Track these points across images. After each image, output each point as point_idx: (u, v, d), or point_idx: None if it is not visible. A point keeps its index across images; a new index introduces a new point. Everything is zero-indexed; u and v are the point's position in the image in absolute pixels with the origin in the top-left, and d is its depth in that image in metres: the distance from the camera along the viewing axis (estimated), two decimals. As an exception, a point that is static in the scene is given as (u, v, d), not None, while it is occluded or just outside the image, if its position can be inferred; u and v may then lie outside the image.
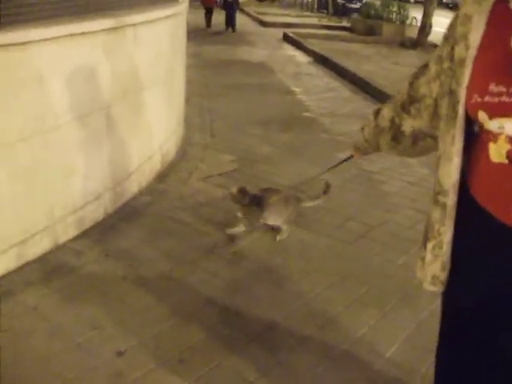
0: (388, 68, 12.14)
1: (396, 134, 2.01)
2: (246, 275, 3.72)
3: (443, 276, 1.73)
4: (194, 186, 5.12)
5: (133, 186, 4.74)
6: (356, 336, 3.14)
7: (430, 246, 1.75)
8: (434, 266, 1.74)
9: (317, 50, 14.09)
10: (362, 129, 2.25)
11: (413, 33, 17.48)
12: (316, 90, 10.12)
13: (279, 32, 17.91)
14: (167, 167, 5.46)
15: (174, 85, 5.79)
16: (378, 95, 9.36)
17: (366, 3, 24.26)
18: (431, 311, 3.27)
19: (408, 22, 19.49)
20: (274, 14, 24.92)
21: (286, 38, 17.00)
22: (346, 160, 2.63)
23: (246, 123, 7.34)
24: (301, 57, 14.15)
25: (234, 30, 19.21)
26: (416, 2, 47.25)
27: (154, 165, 5.18)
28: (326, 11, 28.03)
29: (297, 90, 9.93)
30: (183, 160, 5.74)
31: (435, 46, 16.26)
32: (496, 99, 1.45)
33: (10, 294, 3.30)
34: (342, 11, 27.36)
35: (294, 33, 17.27)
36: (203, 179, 5.30)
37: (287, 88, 10.03)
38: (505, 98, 1.42)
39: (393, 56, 14.27)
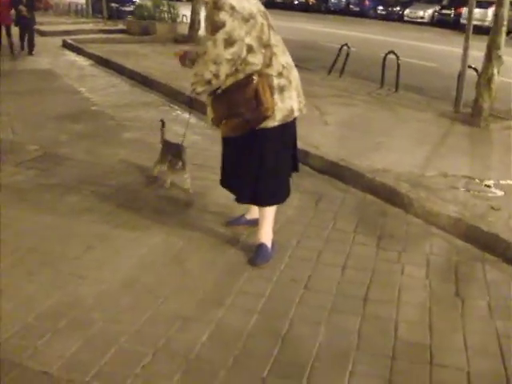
0: (163, 63, 13.58)
1: None
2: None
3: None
4: (9, 170, 6.20)
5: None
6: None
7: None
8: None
9: (97, 53, 15.19)
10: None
11: (184, 29, 19.12)
12: (99, 87, 11.32)
13: (58, 40, 18.62)
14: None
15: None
16: (154, 85, 10.89)
17: (138, 5, 25.55)
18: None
19: (179, 19, 21.06)
20: (51, 23, 25.35)
21: (66, 45, 17.82)
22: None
23: (41, 120, 8.41)
24: (82, 61, 15.16)
25: (31, 52, 16.14)
26: (187, 0, 49.49)
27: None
28: (100, 16, 28.92)
29: (83, 89, 11.06)
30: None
31: (205, 39, 18.06)
32: None
33: None
34: (116, 15, 28.50)
35: (73, 39, 18.13)
36: (16, 165, 6.38)
37: (74, 89, 11.12)
38: None
39: (167, 52, 15.73)
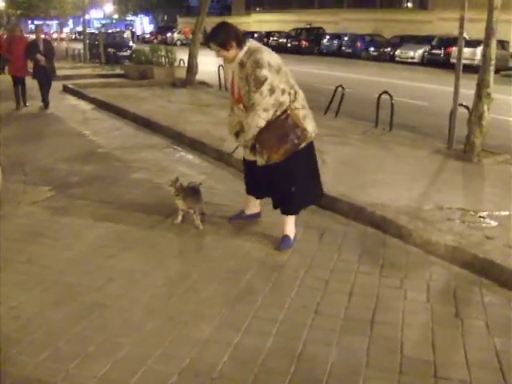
0: (163, 106, 14.01)
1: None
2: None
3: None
4: (25, 210, 6.51)
5: (-23, 215, 6.04)
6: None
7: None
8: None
9: (98, 97, 15.63)
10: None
11: (182, 73, 19.58)
12: (104, 130, 11.69)
13: (59, 84, 18.96)
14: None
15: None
16: (157, 128, 11.25)
17: (136, 50, 26.16)
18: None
19: (176, 63, 21.53)
20: (49, 68, 25.88)
21: (67, 90, 18.24)
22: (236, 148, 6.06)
23: (51, 163, 8.74)
24: (84, 105, 15.58)
25: (46, 106, 14.63)
26: (182, 45, 50.47)
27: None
28: (98, 61, 29.52)
29: (87, 132, 11.43)
30: (8, 194, 7.03)
31: (203, 83, 18.56)
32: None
33: None
34: (113, 59, 29.14)
35: (73, 84, 18.59)
36: (31, 204, 6.69)
37: (79, 132, 11.48)
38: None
39: (166, 95, 16.21)
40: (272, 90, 5.13)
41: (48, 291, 4.61)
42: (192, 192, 5.94)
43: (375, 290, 4.68)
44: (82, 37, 38.73)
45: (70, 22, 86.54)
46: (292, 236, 5.60)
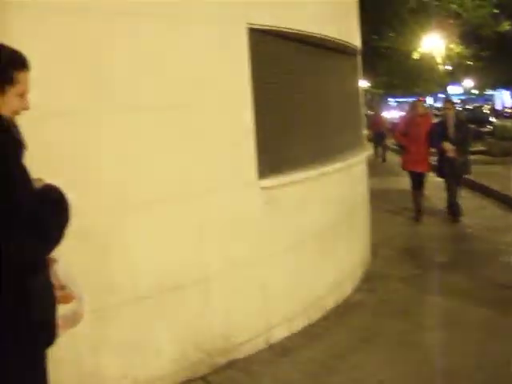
0: None
1: None
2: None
3: None
4: (394, 286, 6.63)
5: (348, 286, 6.33)
6: None
7: None
8: None
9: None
10: None
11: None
12: (468, 210, 11.26)
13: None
14: (365, 272, 7.00)
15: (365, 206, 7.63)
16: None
17: (498, 126, 25.41)
18: None
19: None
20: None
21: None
22: None
23: (419, 240, 8.79)
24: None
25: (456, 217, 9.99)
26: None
27: (359, 271, 6.78)
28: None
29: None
30: (379, 269, 7.27)
31: None
32: None
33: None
34: (475, 135, 28.66)
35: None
36: (399, 280, 6.79)
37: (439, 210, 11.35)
38: None
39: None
40: None
41: (414, 371, 4.59)
42: None
43: None
44: (440, 112, 38.88)
45: (428, 98, 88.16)
46: None
